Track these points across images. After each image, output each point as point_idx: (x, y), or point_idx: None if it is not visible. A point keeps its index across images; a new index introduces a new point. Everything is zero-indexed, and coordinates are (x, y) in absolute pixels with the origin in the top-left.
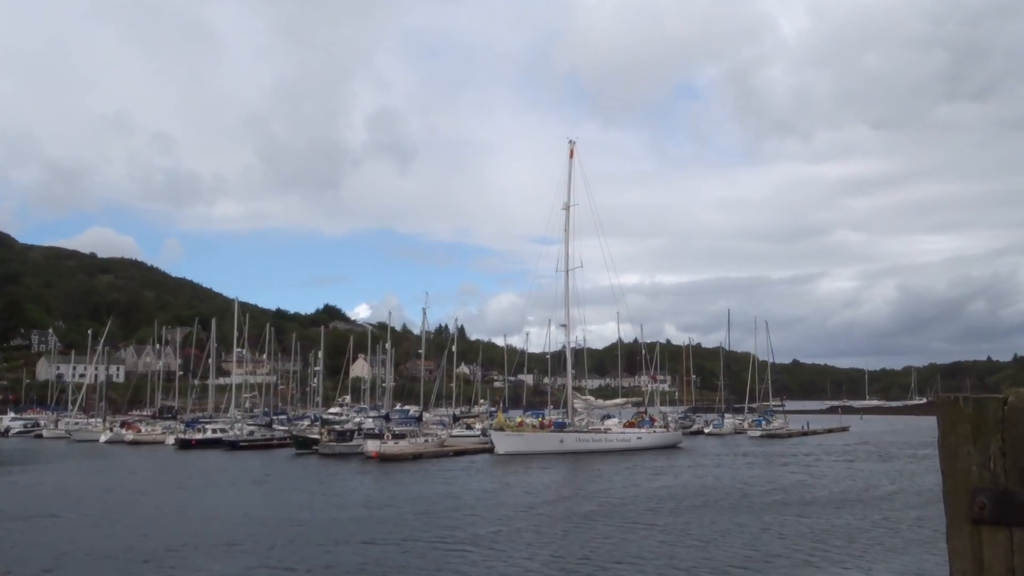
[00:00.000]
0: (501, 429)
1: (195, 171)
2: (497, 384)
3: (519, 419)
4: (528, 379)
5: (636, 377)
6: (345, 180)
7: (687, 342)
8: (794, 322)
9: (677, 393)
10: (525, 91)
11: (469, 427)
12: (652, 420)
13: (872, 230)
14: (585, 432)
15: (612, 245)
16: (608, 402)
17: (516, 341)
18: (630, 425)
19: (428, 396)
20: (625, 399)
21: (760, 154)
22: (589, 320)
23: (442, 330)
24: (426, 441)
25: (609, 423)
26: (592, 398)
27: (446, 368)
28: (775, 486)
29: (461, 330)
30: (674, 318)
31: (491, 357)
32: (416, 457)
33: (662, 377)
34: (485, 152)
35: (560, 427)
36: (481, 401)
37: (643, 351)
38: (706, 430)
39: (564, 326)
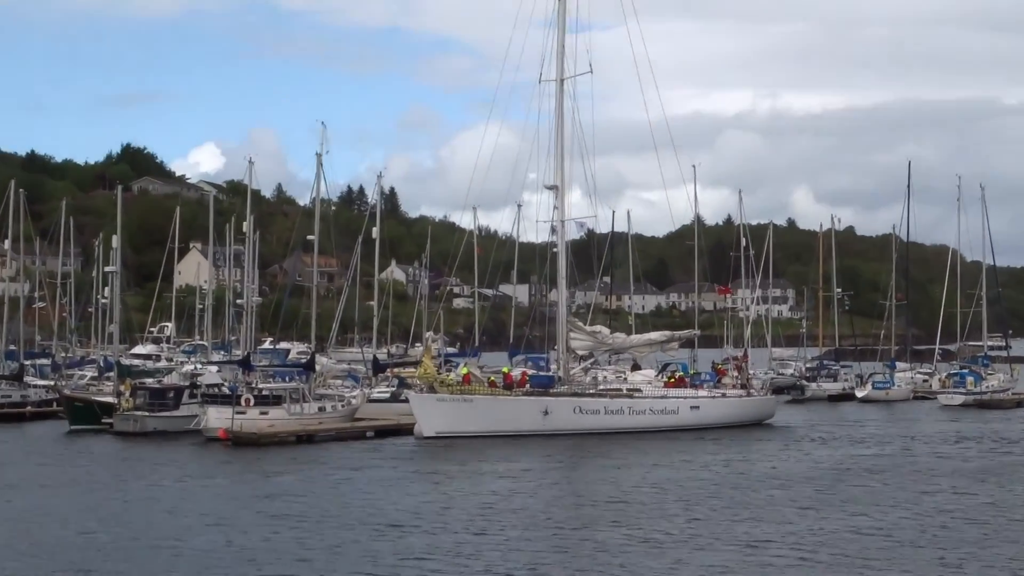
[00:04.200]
0: (430, 388)
1: None
2: (461, 303)
3: (464, 369)
4: (521, 292)
5: (730, 291)
6: None
7: (828, 224)
8: None
9: (805, 322)
10: None
11: (405, 384)
12: (719, 373)
13: None
14: (589, 397)
15: (691, 32)
16: (635, 338)
17: (502, 222)
18: (676, 383)
19: (326, 324)
20: (669, 334)
21: None
22: (637, 182)
23: (354, 198)
24: (321, 410)
25: (638, 378)
26: (605, 330)
27: (359, 270)
28: None
29: (391, 198)
30: (808, 179)
31: (450, 250)
32: (304, 439)
33: (776, 291)
34: None
35: (544, 385)
36: (430, 335)
37: (743, 240)
38: (860, 392)
39: (553, 188)
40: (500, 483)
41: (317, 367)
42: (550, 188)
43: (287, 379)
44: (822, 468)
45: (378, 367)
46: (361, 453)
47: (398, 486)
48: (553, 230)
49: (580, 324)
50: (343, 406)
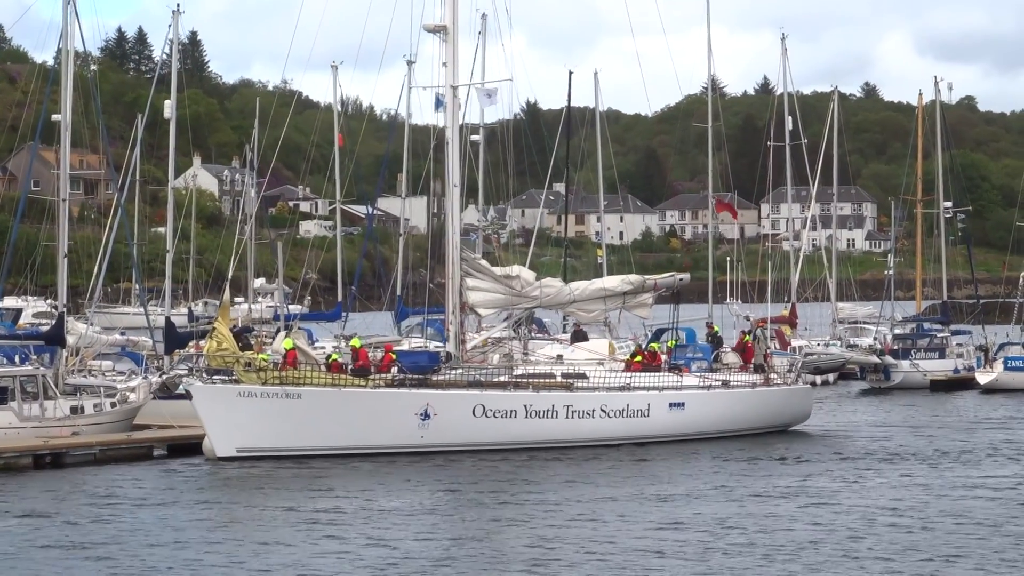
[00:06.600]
0: (231, 376)
1: None
2: (314, 228)
3: (286, 343)
4: (417, 210)
5: (730, 208)
6: None
7: (931, 95)
8: None
9: (893, 258)
10: None
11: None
12: (717, 346)
13: None
14: (499, 389)
15: None
16: (577, 288)
17: (383, 92)
18: (645, 363)
19: (85, 267)
20: (637, 280)
21: None
22: (615, 23)
23: (131, 51)
24: (77, 412)
25: (581, 356)
26: (527, 274)
27: (140, 174)
28: None
29: (194, 51)
30: (904, 19)
31: (296, 144)
32: (47, 461)
33: (845, 207)
34: None
35: (422, 368)
36: (261, 284)
37: (787, 120)
38: (983, 376)
39: (438, 30)
40: (353, 539)
41: (69, 339)
42: (433, 31)
43: (16, 360)
44: (938, 502)
45: (175, 339)
46: (144, 483)
47: (193, 543)
48: (440, 103)
49: (484, 264)
50: (114, 404)
